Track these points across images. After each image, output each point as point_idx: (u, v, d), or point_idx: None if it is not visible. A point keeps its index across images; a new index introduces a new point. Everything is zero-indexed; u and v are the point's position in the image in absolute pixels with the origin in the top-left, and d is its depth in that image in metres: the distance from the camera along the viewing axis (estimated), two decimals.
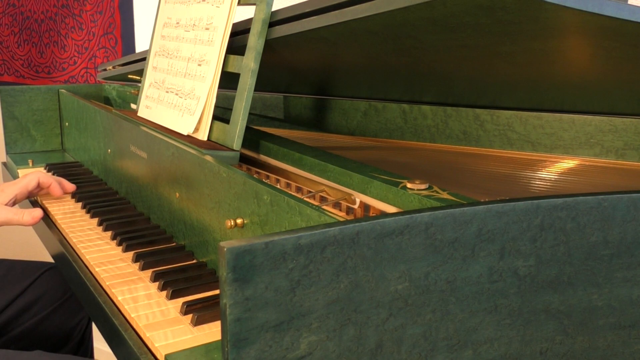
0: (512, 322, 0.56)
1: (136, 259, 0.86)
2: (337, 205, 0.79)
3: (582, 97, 0.93)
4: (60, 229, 1.02)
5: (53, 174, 1.31)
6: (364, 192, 0.74)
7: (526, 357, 0.58)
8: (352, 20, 0.75)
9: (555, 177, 0.90)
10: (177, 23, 1.07)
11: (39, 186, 1.10)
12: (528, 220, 0.55)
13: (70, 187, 1.15)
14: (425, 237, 0.51)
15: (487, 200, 0.57)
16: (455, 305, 0.54)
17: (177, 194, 0.90)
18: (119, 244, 0.92)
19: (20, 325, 1.12)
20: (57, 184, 1.11)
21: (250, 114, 0.90)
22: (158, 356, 0.64)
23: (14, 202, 1.05)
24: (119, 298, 0.75)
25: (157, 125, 1.05)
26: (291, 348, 0.49)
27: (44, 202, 1.13)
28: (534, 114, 1.00)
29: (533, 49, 0.74)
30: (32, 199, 1.16)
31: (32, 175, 1.09)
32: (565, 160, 0.97)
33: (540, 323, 0.58)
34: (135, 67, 1.37)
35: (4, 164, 1.54)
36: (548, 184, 0.87)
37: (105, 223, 0.99)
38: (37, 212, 1.00)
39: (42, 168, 1.38)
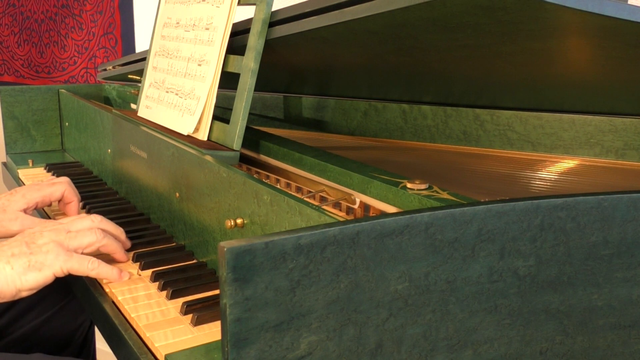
0: (512, 322, 0.56)
1: (136, 259, 0.86)
2: (337, 205, 0.79)
3: (582, 97, 0.93)
4: None
5: (53, 174, 1.31)
6: (364, 192, 0.74)
7: (526, 357, 0.58)
8: (352, 20, 0.75)
9: (555, 177, 0.90)
10: (177, 23, 1.07)
11: (62, 199, 1.01)
12: (528, 220, 0.55)
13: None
14: (425, 237, 0.51)
15: (487, 200, 0.57)
16: (455, 305, 0.54)
17: (177, 194, 0.90)
18: None
19: (21, 328, 1.12)
20: (77, 204, 1.02)
21: (250, 114, 0.90)
22: (158, 356, 0.64)
23: (34, 209, 0.99)
24: (119, 298, 0.75)
25: (157, 125, 1.05)
26: (291, 348, 0.49)
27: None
28: (534, 114, 1.00)
29: (533, 49, 0.74)
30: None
31: (59, 187, 0.99)
32: (565, 160, 0.97)
33: (540, 323, 0.58)
34: (135, 67, 1.37)
35: (4, 164, 1.53)
36: (548, 184, 0.87)
37: None
38: None
39: (42, 168, 1.38)
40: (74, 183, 1.10)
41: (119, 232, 0.86)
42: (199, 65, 0.97)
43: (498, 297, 0.55)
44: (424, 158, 1.03)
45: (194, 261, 0.87)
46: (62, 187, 1.00)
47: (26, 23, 2.40)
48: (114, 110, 1.19)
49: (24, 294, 0.75)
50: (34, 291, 0.75)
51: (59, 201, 1.02)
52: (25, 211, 0.95)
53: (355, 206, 0.75)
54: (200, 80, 0.96)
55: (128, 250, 0.89)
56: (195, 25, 1.01)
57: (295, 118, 1.33)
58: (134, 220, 1.02)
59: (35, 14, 2.35)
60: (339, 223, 0.49)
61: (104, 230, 0.82)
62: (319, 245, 0.48)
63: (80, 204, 1.06)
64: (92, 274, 0.78)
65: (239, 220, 0.74)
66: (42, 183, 1.00)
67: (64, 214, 1.02)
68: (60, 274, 0.76)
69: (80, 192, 1.10)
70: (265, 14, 0.89)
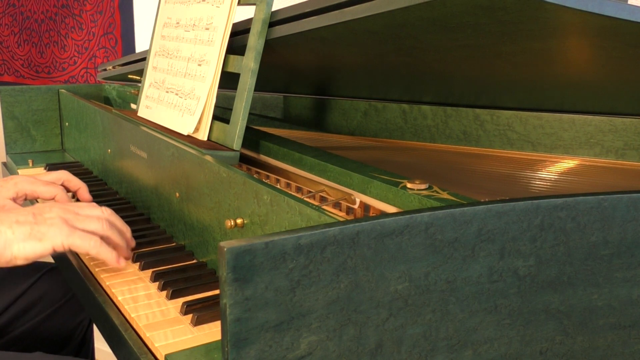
0: (512, 322, 0.56)
1: (136, 259, 0.86)
2: (337, 205, 0.79)
3: (582, 97, 0.93)
4: None
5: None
6: (364, 192, 0.74)
7: (526, 357, 0.58)
8: (352, 20, 0.75)
9: (555, 177, 0.90)
10: (177, 23, 1.07)
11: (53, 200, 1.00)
12: (528, 220, 0.55)
13: (88, 197, 1.05)
14: (425, 237, 0.51)
15: (487, 200, 0.57)
16: (455, 305, 0.54)
17: (177, 194, 0.90)
18: None
19: (21, 326, 1.12)
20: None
21: (250, 114, 0.90)
22: (158, 356, 0.64)
23: (24, 201, 0.98)
24: (119, 298, 0.75)
25: (157, 125, 1.05)
26: (291, 348, 0.49)
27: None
28: (534, 114, 1.00)
29: (533, 49, 0.74)
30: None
31: (52, 190, 0.98)
32: (565, 160, 0.97)
33: (540, 323, 0.58)
34: (135, 67, 1.37)
35: (4, 164, 1.53)
36: (548, 184, 0.87)
37: None
38: None
39: (42, 168, 1.38)
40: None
41: (125, 229, 0.86)
42: (199, 65, 0.97)
43: (498, 297, 0.55)
44: (424, 158, 1.03)
45: (194, 261, 0.87)
46: (53, 192, 0.99)
47: (26, 23, 2.40)
48: (114, 110, 1.19)
49: (19, 262, 0.74)
50: (29, 261, 0.74)
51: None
52: (14, 200, 0.95)
53: (355, 206, 0.75)
54: (200, 80, 0.96)
55: None
56: (195, 25, 1.01)
57: (295, 118, 1.33)
58: (134, 220, 1.02)
59: (35, 14, 2.35)
60: (339, 223, 0.49)
61: (111, 223, 0.82)
62: (319, 245, 0.48)
63: (87, 191, 1.06)
64: (93, 252, 0.77)
65: (239, 220, 0.74)
66: (39, 178, 1.00)
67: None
68: (60, 249, 0.75)
69: None
70: (265, 14, 0.89)
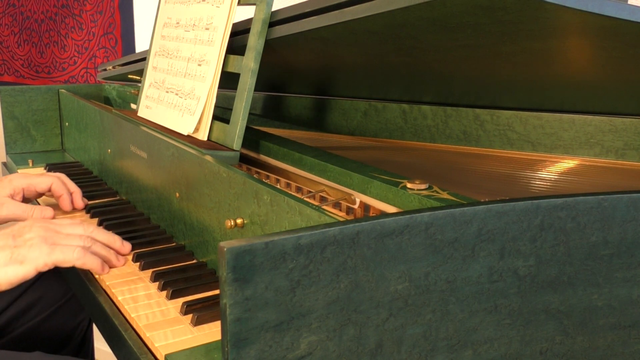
0: (512, 322, 0.56)
1: (136, 259, 0.86)
2: (337, 205, 0.79)
3: (582, 97, 0.93)
4: None
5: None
6: (364, 192, 0.74)
7: (526, 357, 0.58)
8: (352, 20, 0.75)
9: (555, 177, 0.90)
10: (177, 23, 1.07)
11: (49, 192, 1.03)
12: (528, 220, 0.55)
13: (80, 203, 1.06)
14: (425, 237, 0.51)
15: (487, 200, 0.57)
16: (455, 305, 0.54)
17: (177, 194, 0.90)
18: None
19: (20, 327, 1.12)
20: (67, 197, 1.03)
21: (250, 114, 0.90)
22: (158, 356, 0.64)
23: (22, 198, 0.99)
24: (119, 298, 0.75)
25: (157, 125, 1.05)
26: (291, 348, 0.49)
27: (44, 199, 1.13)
28: (534, 114, 1.00)
29: (533, 49, 0.74)
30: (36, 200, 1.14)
31: (47, 179, 1.01)
32: (565, 160, 0.97)
33: (540, 323, 0.58)
34: (135, 67, 1.37)
35: (4, 164, 1.54)
36: (548, 184, 0.87)
37: (105, 223, 0.99)
38: (48, 212, 0.96)
39: (42, 168, 1.38)
40: (75, 183, 1.10)
41: (112, 240, 0.85)
42: (199, 65, 0.97)
43: (498, 297, 0.55)
44: (424, 158, 1.03)
45: (194, 261, 0.87)
46: (49, 180, 1.00)
47: (26, 23, 2.40)
48: (114, 110, 1.19)
49: (4, 287, 0.74)
50: (14, 285, 0.75)
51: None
52: (12, 197, 0.95)
53: (355, 206, 0.75)
54: (200, 80, 0.96)
55: None
56: (195, 25, 1.01)
57: (295, 118, 1.33)
58: (134, 220, 1.02)
59: (35, 14, 2.35)
60: (339, 223, 0.49)
61: (93, 239, 0.82)
62: (319, 245, 0.48)
63: (81, 196, 1.06)
64: (78, 263, 0.78)
65: (239, 220, 0.74)
66: (34, 174, 1.01)
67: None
68: (43, 269, 0.75)
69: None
70: (265, 14, 0.89)
